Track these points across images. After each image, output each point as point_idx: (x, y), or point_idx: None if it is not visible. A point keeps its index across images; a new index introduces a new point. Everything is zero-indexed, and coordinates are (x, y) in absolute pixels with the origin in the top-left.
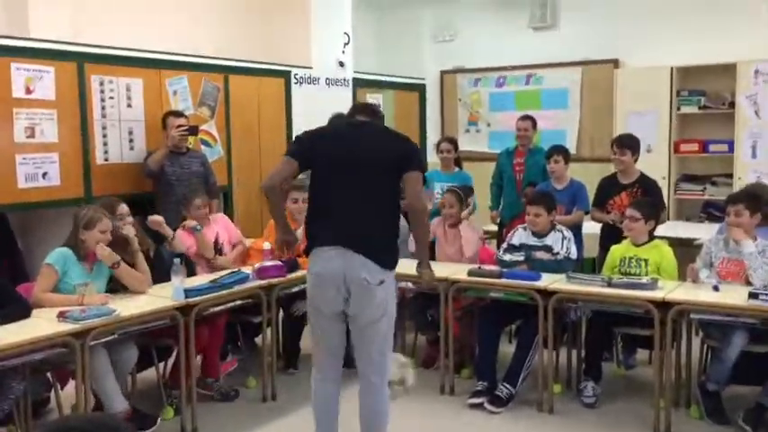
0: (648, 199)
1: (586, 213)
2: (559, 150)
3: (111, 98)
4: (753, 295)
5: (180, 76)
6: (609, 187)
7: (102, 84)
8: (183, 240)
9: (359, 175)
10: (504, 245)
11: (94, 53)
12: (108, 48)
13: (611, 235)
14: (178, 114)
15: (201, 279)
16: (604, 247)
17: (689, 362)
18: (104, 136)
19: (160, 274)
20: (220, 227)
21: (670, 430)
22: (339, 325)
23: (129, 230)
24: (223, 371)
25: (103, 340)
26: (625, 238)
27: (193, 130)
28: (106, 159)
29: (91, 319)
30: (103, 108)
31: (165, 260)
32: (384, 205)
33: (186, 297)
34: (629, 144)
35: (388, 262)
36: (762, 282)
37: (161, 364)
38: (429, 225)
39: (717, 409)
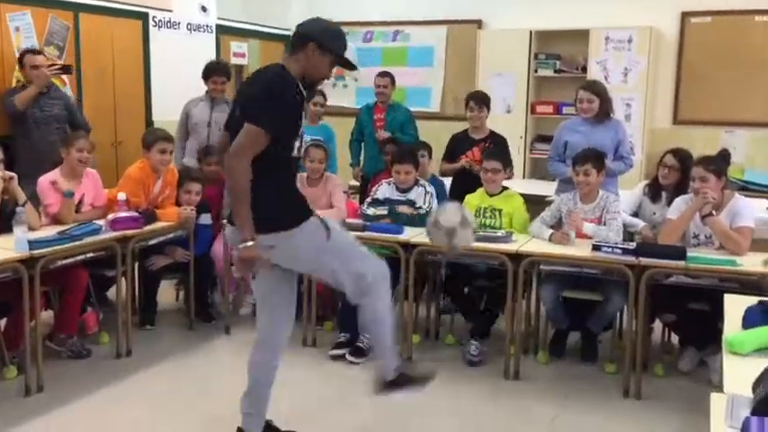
0: (503, 148)
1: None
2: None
3: None
4: (596, 248)
5: (23, 12)
6: (461, 142)
7: None
8: (45, 194)
9: (235, 132)
10: (369, 199)
11: None
12: None
13: (460, 188)
14: (37, 52)
15: (49, 230)
16: (455, 199)
17: (537, 311)
18: None
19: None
20: (89, 185)
21: (519, 374)
22: None
23: None
24: (91, 326)
25: None
26: (473, 190)
27: (67, 69)
28: None
29: None
30: None
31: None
32: None
33: (31, 249)
34: (485, 101)
35: (277, 224)
36: (615, 238)
37: (2, 322)
38: (242, 191)
39: (560, 348)
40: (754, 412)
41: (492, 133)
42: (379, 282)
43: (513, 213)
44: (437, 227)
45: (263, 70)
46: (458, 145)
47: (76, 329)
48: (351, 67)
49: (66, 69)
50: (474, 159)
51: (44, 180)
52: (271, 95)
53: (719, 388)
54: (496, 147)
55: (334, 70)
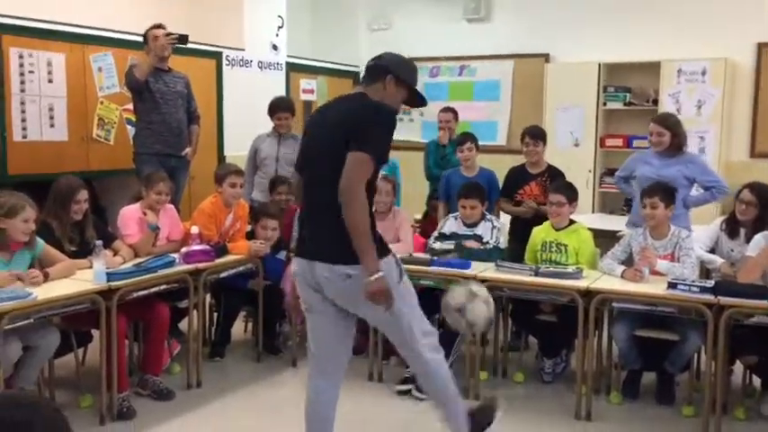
0: (567, 182)
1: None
2: (471, 137)
3: (32, 72)
4: (671, 285)
5: (105, 53)
6: (518, 177)
7: (21, 57)
8: (126, 224)
9: (314, 161)
10: (435, 233)
11: (14, 24)
12: (29, 20)
13: (520, 226)
14: (159, 26)
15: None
16: (515, 238)
17: (609, 349)
18: (23, 112)
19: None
20: (166, 219)
21: (590, 415)
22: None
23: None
24: (165, 359)
25: (18, 324)
26: (534, 224)
27: (183, 39)
28: (24, 137)
29: (4, 302)
30: (22, 83)
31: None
32: (332, 190)
33: (108, 280)
34: (541, 135)
35: (354, 256)
36: (691, 276)
37: (80, 351)
38: (362, 218)
39: (634, 388)
40: None
41: (549, 167)
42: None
43: (580, 248)
44: (447, 309)
45: (347, 98)
46: (515, 179)
47: (161, 369)
48: (422, 102)
49: (182, 39)
50: (531, 194)
51: (128, 211)
52: (381, 124)
53: None
54: (557, 180)
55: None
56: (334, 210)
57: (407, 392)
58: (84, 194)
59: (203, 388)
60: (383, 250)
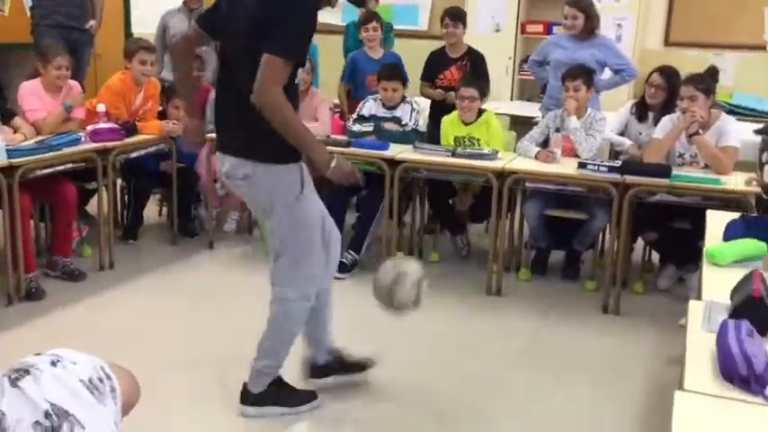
0: (481, 75)
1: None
2: (377, 17)
3: None
4: (582, 165)
5: None
6: (438, 61)
7: None
8: (27, 100)
9: (228, 42)
10: (354, 115)
11: None
12: None
13: (439, 110)
14: None
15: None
16: (434, 122)
17: (521, 229)
18: None
19: None
20: (69, 97)
21: (501, 290)
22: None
23: None
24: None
25: None
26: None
27: None
28: None
29: None
30: None
31: None
32: (245, 87)
33: (9, 157)
34: (461, 16)
35: (256, 152)
36: (588, 153)
37: None
38: (290, 120)
39: (542, 265)
40: (731, 316)
41: (470, 50)
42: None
43: (491, 138)
44: (376, 289)
45: None
46: (435, 64)
47: (72, 251)
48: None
49: None
50: (452, 78)
51: (27, 86)
52: (297, 16)
53: (698, 298)
54: (474, 70)
55: None
56: (246, 102)
57: None
58: None
59: (116, 270)
60: (291, 155)
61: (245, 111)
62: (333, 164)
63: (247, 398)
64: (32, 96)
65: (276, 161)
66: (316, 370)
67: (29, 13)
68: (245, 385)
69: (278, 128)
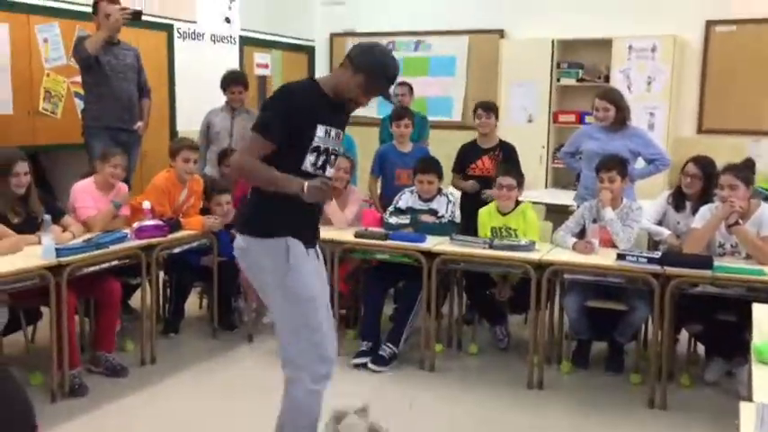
0: (515, 165)
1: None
2: (409, 114)
3: None
4: (620, 256)
5: (51, 23)
6: (470, 152)
7: None
8: (80, 198)
9: None
10: (391, 208)
11: None
12: None
13: (471, 201)
14: (112, 0)
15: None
16: (464, 213)
17: (561, 321)
18: None
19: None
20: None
21: (542, 384)
22: None
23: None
24: None
25: None
26: (485, 203)
27: (137, 15)
28: None
29: None
30: None
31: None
32: None
33: (58, 256)
34: (493, 108)
35: (248, 228)
36: (626, 244)
37: (29, 329)
38: (254, 170)
39: (584, 358)
40: None
41: (501, 142)
42: (320, 383)
43: (528, 229)
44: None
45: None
46: (467, 154)
47: (115, 345)
48: (387, 96)
49: (136, 15)
50: (483, 169)
51: (80, 185)
52: (273, 99)
53: (748, 398)
54: (509, 160)
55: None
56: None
57: (363, 365)
58: (23, 166)
59: (157, 364)
60: (276, 230)
61: (252, 194)
62: (305, 188)
63: None
64: (85, 195)
65: (262, 235)
66: None
67: (80, 116)
68: None
69: (249, 181)
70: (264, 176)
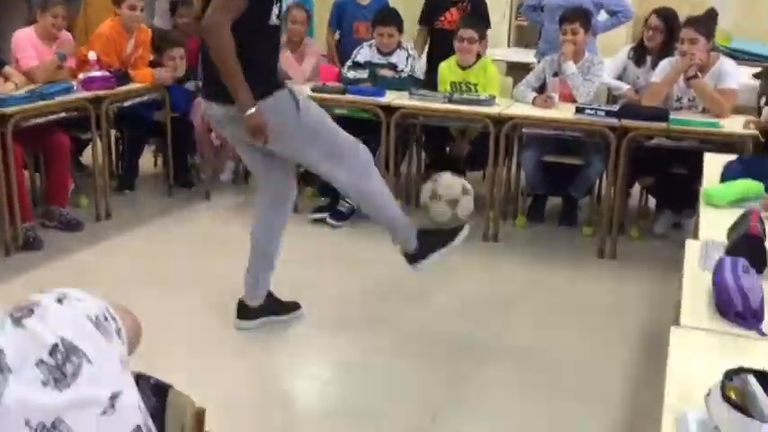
0: (482, 19)
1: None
2: None
3: None
4: (579, 110)
5: None
6: (438, 2)
7: None
8: (22, 47)
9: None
10: (349, 62)
11: None
12: None
13: (439, 56)
14: None
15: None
16: (432, 67)
17: (518, 177)
18: None
19: None
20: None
21: (497, 237)
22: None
23: None
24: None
25: None
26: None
27: None
28: None
29: None
30: None
31: None
32: None
33: (1, 106)
34: None
35: (222, 95)
36: (585, 98)
37: None
38: (225, 51)
39: (539, 212)
40: (728, 254)
41: None
42: (368, 163)
43: (488, 83)
44: (437, 198)
45: None
46: (435, 5)
47: (68, 200)
48: None
49: None
50: (452, 20)
51: (21, 34)
52: None
53: (695, 238)
54: (475, 11)
55: None
56: None
57: (322, 220)
58: None
59: (113, 220)
60: (271, 86)
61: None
62: (250, 111)
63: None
64: (27, 44)
65: (262, 96)
66: (247, 311)
67: None
68: None
69: (213, 55)
70: (230, 69)
